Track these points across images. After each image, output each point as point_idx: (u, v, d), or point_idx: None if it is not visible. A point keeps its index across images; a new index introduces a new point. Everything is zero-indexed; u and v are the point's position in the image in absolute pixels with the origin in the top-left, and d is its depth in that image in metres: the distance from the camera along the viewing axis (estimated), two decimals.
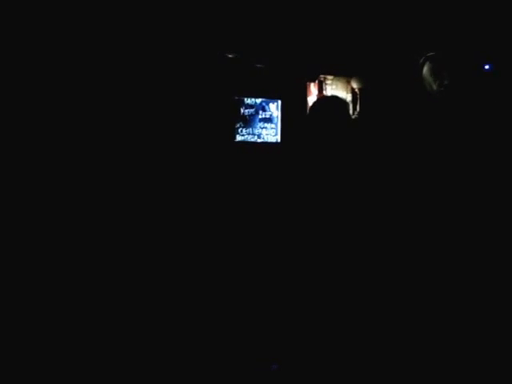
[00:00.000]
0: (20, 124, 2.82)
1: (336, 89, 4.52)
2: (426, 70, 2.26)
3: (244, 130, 4.18)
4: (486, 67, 2.79)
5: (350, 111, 4.39)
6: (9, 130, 2.76)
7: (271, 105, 4.28)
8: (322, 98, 3.08)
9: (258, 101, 4.24)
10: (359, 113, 4.47)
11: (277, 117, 4.30)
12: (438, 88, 2.20)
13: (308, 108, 4.40)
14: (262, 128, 4.25)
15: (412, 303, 1.85)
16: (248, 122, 4.21)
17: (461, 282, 1.81)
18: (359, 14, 3.87)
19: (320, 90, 4.48)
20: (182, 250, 3.11)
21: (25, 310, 2.34)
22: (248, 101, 4.20)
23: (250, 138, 4.20)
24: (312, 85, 4.47)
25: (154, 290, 2.71)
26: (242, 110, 4.18)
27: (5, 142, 2.73)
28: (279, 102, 4.31)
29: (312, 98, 4.44)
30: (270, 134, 4.28)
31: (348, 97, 4.54)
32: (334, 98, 2.21)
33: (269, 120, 4.28)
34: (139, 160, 3.38)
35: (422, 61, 2.30)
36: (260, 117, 4.24)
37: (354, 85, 4.51)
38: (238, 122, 4.17)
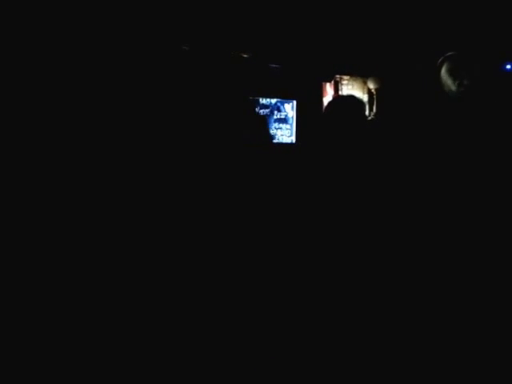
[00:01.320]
0: (20, 124, 2.83)
1: (352, 89, 4.46)
2: (444, 70, 2.21)
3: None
4: (508, 67, 2.72)
5: (367, 112, 4.34)
6: (9, 131, 2.77)
7: (286, 105, 4.25)
8: (337, 98, 3.03)
9: (273, 101, 4.21)
10: (376, 113, 4.41)
11: (292, 117, 4.26)
12: (457, 88, 2.14)
13: (323, 108, 4.36)
14: (277, 129, 4.22)
15: (413, 303, 1.84)
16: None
17: (463, 283, 1.78)
18: (376, 14, 3.81)
19: (336, 90, 4.44)
20: (189, 248, 3.10)
21: (24, 310, 2.35)
22: (263, 101, 4.17)
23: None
24: (328, 85, 4.43)
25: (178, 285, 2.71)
26: (256, 111, 4.15)
27: (5, 142, 2.74)
28: (294, 102, 4.28)
29: (328, 99, 4.39)
30: (285, 134, 4.25)
31: (364, 97, 4.48)
32: (350, 98, 2.18)
33: (284, 120, 4.24)
34: (152, 160, 3.38)
35: (440, 61, 2.25)
36: (275, 117, 4.21)
37: (371, 85, 4.45)
38: None
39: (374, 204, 1.88)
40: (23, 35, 2.91)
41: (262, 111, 4.15)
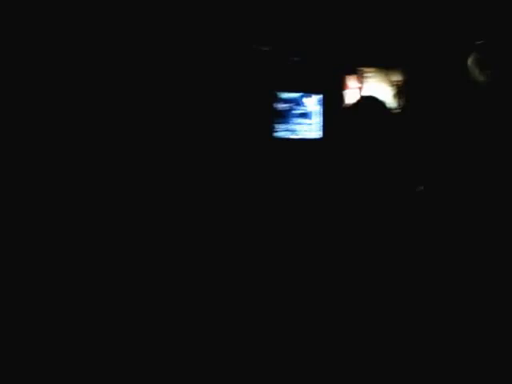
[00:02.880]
0: (20, 124, 2.84)
1: (376, 82, 4.33)
2: (472, 60, 2.12)
3: (280, 126, 4.07)
4: None
5: (393, 104, 4.20)
6: (8, 131, 2.79)
7: (308, 99, 4.15)
8: (358, 102, 2.98)
9: (295, 95, 4.11)
10: (402, 107, 4.28)
11: (314, 112, 4.16)
12: (485, 79, 2.06)
13: (344, 106, 4.26)
14: (299, 124, 4.12)
15: (413, 303, 1.82)
16: (284, 117, 4.09)
17: (463, 283, 1.75)
18: (400, 4, 3.68)
19: (359, 83, 4.31)
20: (214, 244, 3.09)
21: (24, 310, 2.37)
22: (284, 95, 4.08)
23: (285, 135, 4.09)
24: (351, 78, 4.31)
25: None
26: (277, 105, 4.07)
27: (5, 142, 2.76)
28: (316, 96, 4.17)
29: (351, 92, 4.28)
30: (307, 129, 4.15)
31: (389, 90, 4.35)
32: (372, 100, 2.13)
33: (305, 115, 4.14)
34: (170, 157, 3.37)
35: (468, 50, 2.16)
36: (296, 112, 4.12)
37: (396, 77, 4.31)
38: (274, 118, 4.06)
39: (400, 200, 1.86)
40: (23, 36, 2.93)
41: (282, 106, 4.06)
